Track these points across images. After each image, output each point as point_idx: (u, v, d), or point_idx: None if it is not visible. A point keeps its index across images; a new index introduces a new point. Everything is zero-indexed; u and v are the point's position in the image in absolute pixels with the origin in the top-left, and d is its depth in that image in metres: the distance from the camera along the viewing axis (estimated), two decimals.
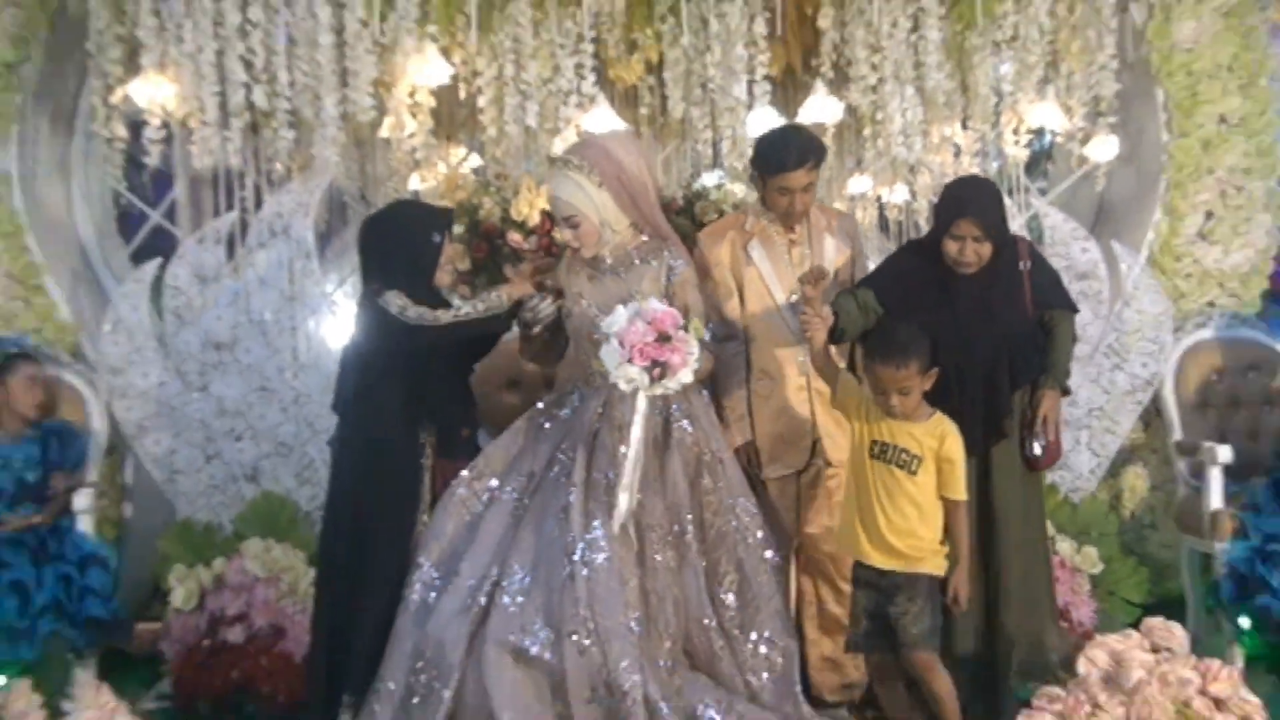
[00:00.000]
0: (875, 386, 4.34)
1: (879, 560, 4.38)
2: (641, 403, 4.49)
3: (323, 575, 5.06)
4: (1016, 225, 6.51)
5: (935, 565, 4.39)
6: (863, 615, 4.48)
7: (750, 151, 6.21)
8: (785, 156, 4.96)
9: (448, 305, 4.90)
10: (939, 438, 4.32)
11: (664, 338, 4.37)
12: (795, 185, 4.94)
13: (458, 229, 6.61)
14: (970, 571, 4.55)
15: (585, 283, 4.86)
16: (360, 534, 4.85)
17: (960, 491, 4.36)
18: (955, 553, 4.39)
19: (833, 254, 5.11)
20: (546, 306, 4.83)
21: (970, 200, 4.68)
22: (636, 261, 4.83)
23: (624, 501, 4.50)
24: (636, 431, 4.51)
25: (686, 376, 4.43)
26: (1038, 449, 4.80)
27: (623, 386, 4.43)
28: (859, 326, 4.73)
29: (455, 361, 5.00)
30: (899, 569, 4.36)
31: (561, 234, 4.93)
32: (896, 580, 4.37)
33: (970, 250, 4.63)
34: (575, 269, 4.90)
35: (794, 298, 4.97)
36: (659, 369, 4.37)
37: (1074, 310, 4.96)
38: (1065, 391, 4.91)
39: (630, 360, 4.36)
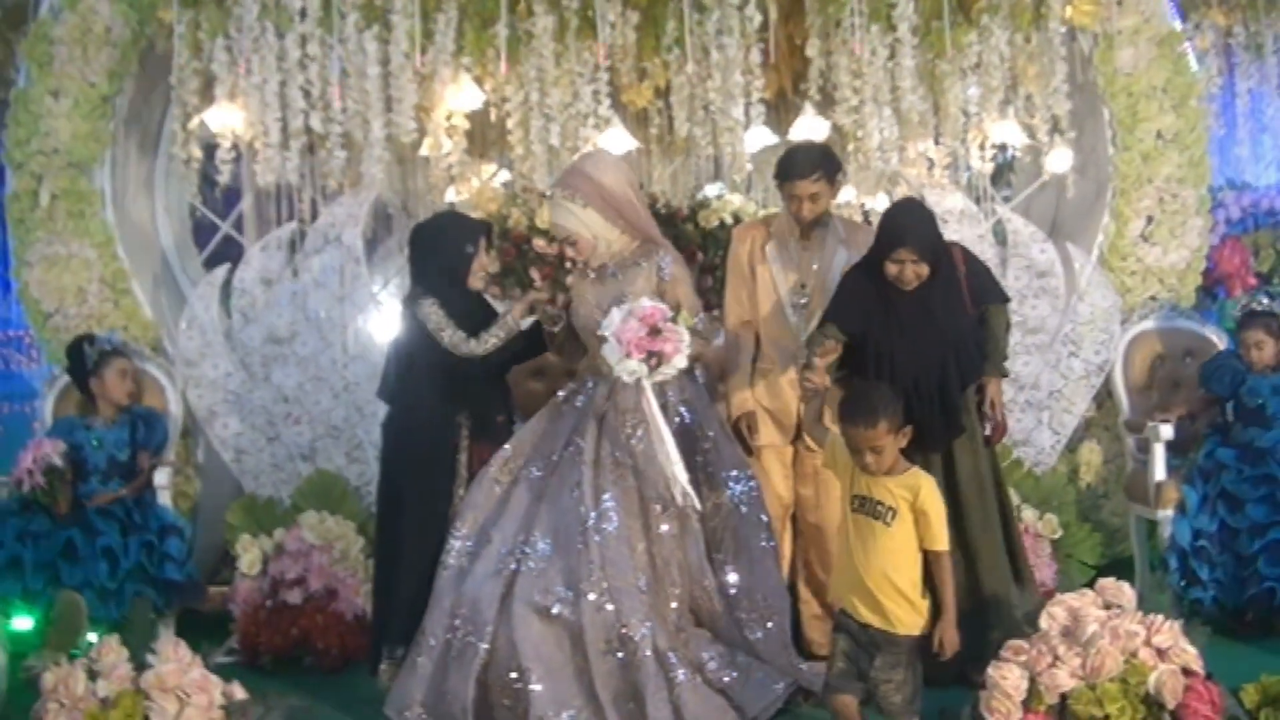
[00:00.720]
0: (850, 445, 4.01)
1: (861, 613, 3.95)
2: (648, 388, 4.48)
3: (376, 543, 5.09)
4: (982, 230, 6.46)
5: (913, 625, 3.94)
6: (840, 657, 4.02)
7: (748, 166, 6.23)
8: (793, 167, 4.97)
9: (480, 316, 4.91)
10: (913, 490, 3.93)
11: (655, 331, 4.37)
12: (802, 193, 4.93)
13: None
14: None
15: (589, 286, 4.83)
16: (403, 505, 4.85)
17: (939, 542, 3.94)
18: (941, 602, 3.96)
19: (841, 264, 5.03)
20: (554, 310, 4.88)
21: (908, 229, 4.62)
22: (631, 265, 4.81)
23: (678, 474, 4.49)
24: (656, 415, 4.51)
25: (681, 362, 4.44)
26: (987, 429, 4.84)
27: (625, 379, 4.44)
28: (833, 363, 4.69)
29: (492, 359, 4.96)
30: (878, 625, 3.92)
31: (567, 251, 4.93)
32: (875, 637, 3.94)
33: (910, 271, 4.59)
34: (582, 275, 4.89)
35: (799, 298, 5.03)
36: (655, 358, 4.38)
37: (1006, 301, 4.97)
38: (1004, 374, 4.92)
39: (629, 355, 4.35)
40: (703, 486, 4.71)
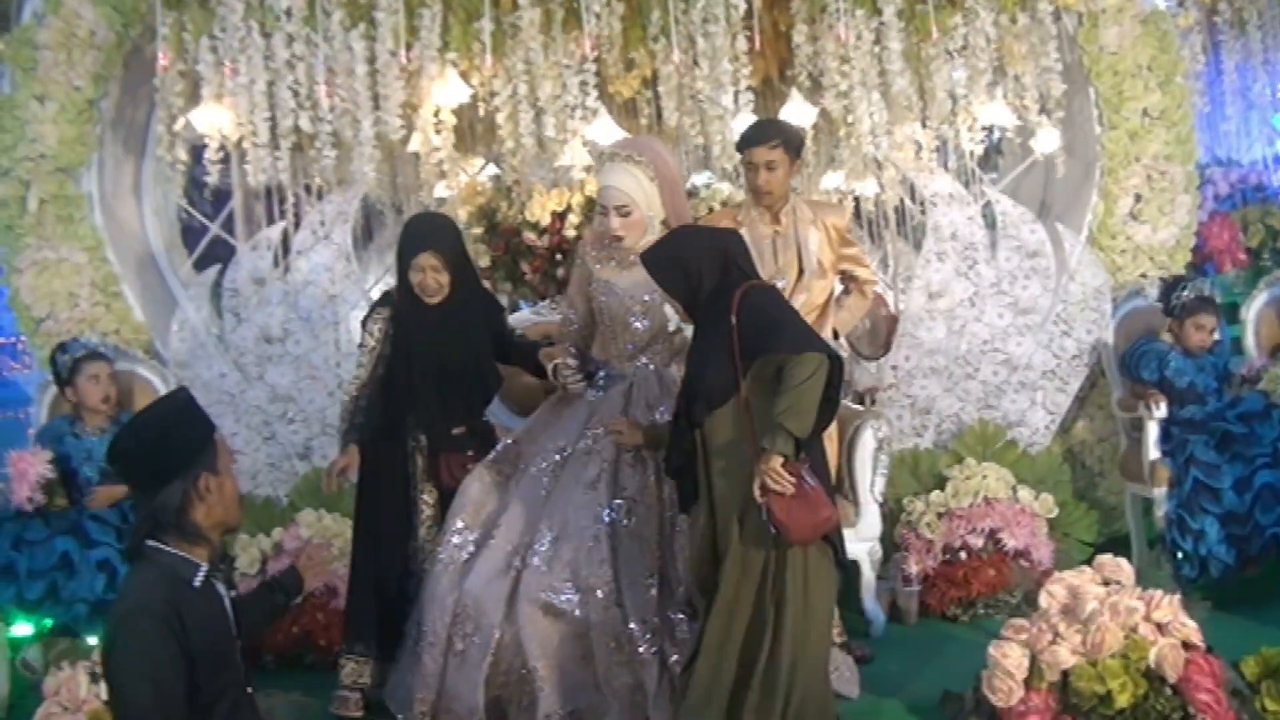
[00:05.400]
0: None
1: None
2: None
3: (354, 543, 5.13)
4: (971, 212, 6.46)
5: None
6: None
7: (736, 154, 6.22)
8: (750, 134, 5.00)
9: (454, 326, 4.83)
10: None
11: None
12: (758, 160, 4.93)
13: (477, 230, 6.58)
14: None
15: (616, 271, 4.75)
16: (377, 523, 4.92)
17: None
18: None
19: (814, 247, 5.03)
20: (575, 384, 4.70)
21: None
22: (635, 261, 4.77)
23: None
24: None
25: None
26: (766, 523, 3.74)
27: None
28: None
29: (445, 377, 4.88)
30: None
31: (608, 222, 4.68)
32: None
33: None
34: (603, 260, 4.79)
35: (776, 283, 4.93)
36: None
37: (791, 352, 3.79)
38: (779, 447, 3.70)
39: None
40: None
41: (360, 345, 4.95)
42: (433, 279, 4.75)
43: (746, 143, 4.99)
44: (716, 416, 3.91)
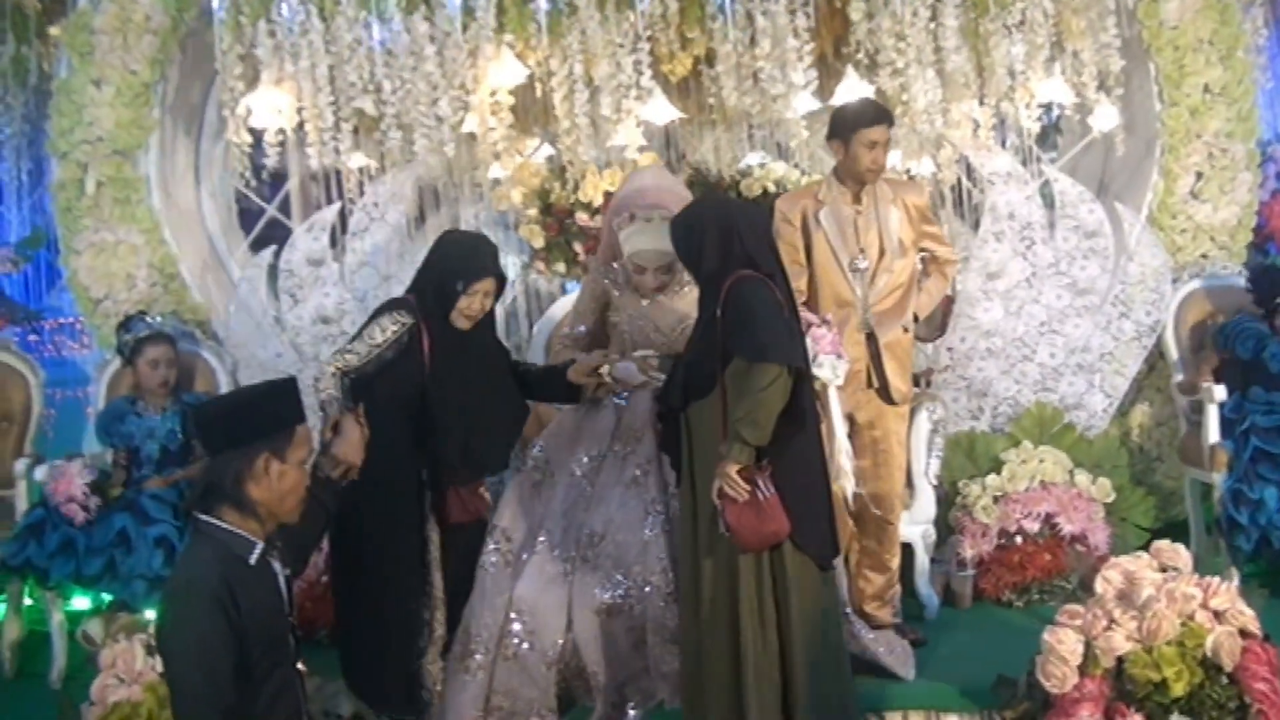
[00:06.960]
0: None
1: None
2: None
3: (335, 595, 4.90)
4: (1029, 191, 6.40)
5: None
6: None
7: (804, 132, 6.14)
8: (870, 113, 4.99)
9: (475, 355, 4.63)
10: None
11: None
12: (879, 139, 4.94)
13: (531, 211, 6.58)
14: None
15: (640, 303, 4.78)
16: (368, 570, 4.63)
17: None
18: None
19: (895, 225, 5.02)
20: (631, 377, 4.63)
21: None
22: (683, 288, 4.73)
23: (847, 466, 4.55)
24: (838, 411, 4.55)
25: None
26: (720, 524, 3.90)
27: (838, 381, 4.47)
28: None
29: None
30: None
31: (647, 281, 4.70)
32: None
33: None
34: (623, 289, 4.84)
35: (859, 263, 4.97)
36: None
37: (750, 359, 3.84)
38: (733, 456, 3.83)
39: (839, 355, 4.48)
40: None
41: (364, 333, 4.56)
42: (482, 304, 4.58)
43: (865, 122, 4.95)
44: (702, 406, 4.00)
